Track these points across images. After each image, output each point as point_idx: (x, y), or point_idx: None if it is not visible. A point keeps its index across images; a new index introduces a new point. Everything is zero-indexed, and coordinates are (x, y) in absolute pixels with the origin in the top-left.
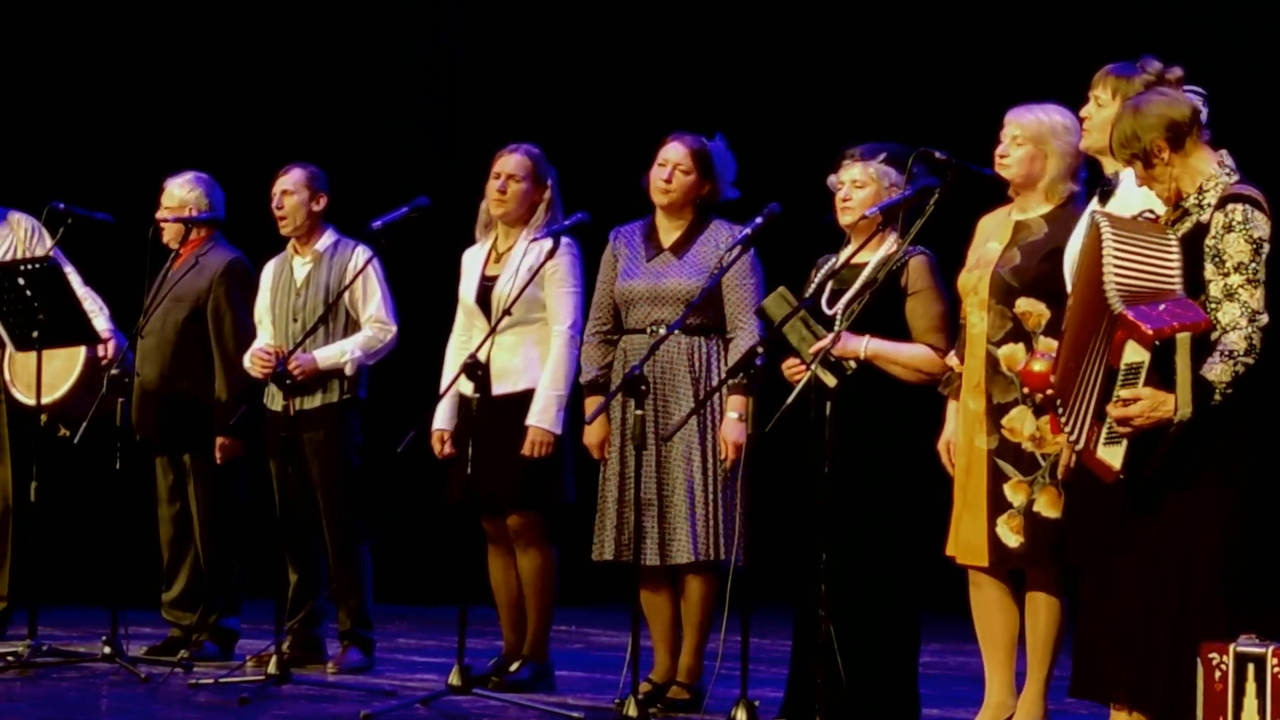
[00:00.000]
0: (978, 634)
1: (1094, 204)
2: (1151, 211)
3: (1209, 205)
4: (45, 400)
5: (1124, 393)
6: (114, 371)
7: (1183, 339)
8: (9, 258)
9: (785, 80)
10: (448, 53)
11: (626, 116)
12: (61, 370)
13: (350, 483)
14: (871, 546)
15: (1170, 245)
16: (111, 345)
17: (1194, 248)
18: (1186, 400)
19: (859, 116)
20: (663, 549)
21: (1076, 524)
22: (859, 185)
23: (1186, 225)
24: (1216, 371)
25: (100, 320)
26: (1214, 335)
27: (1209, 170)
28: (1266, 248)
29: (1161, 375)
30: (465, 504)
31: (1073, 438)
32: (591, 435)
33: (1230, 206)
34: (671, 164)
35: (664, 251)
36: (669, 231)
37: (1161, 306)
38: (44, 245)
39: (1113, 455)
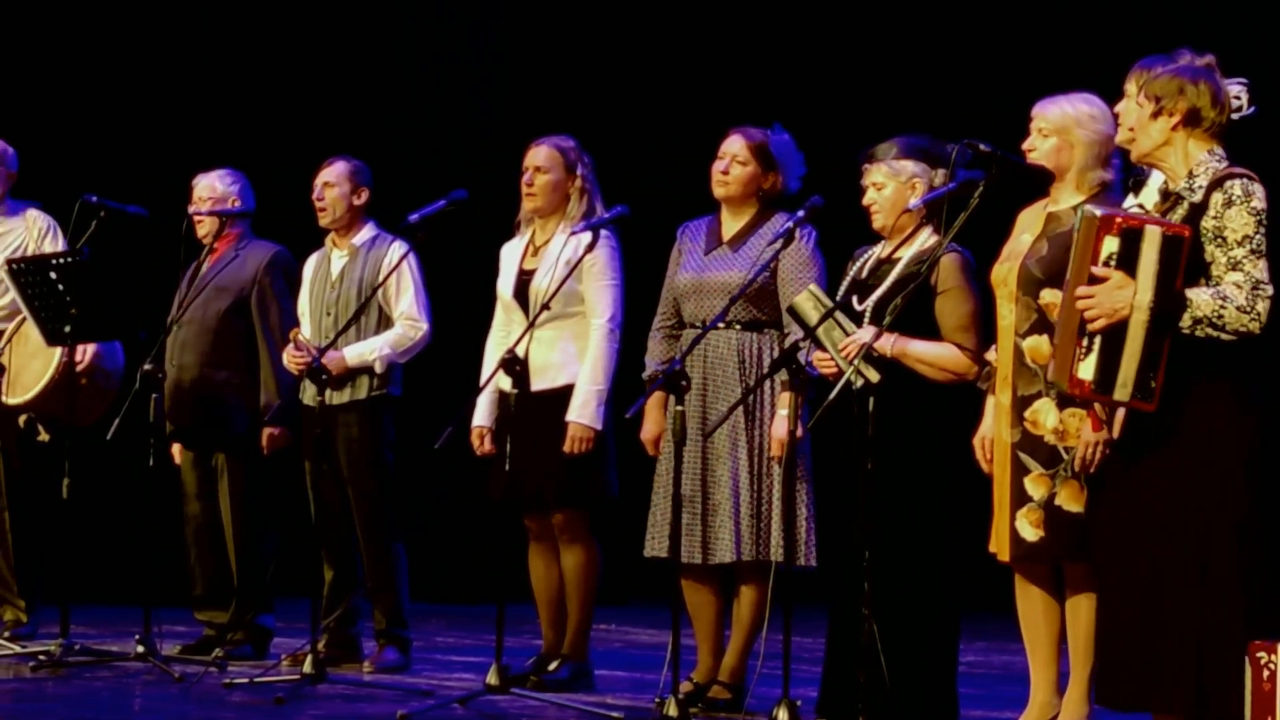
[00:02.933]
0: (1023, 633)
1: (1130, 199)
2: (1140, 206)
3: (1200, 188)
4: (14, 400)
5: (1094, 277)
6: (147, 367)
7: (1152, 230)
8: (19, 254)
9: (829, 71)
10: (486, 45)
11: (666, 109)
12: (40, 370)
13: (383, 480)
14: (911, 545)
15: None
16: (90, 350)
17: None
18: (1148, 286)
19: (903, 107)
20: (706, 547)
21: (1094, 523)
22: (879, 187)
23: (1180, 211)
24: (1199, 299)
25: None
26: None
27: (1200, 156)
28: (1266, 220)
29: (1128, 267)
30: (506, 501)
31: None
32: (646, 431)
33: (1228, 183)
34: (729, 156)
35: (722, 245)
36: (730, 225)
37: (1144, 214)
38: (57, 244)
39: (1087, 368)
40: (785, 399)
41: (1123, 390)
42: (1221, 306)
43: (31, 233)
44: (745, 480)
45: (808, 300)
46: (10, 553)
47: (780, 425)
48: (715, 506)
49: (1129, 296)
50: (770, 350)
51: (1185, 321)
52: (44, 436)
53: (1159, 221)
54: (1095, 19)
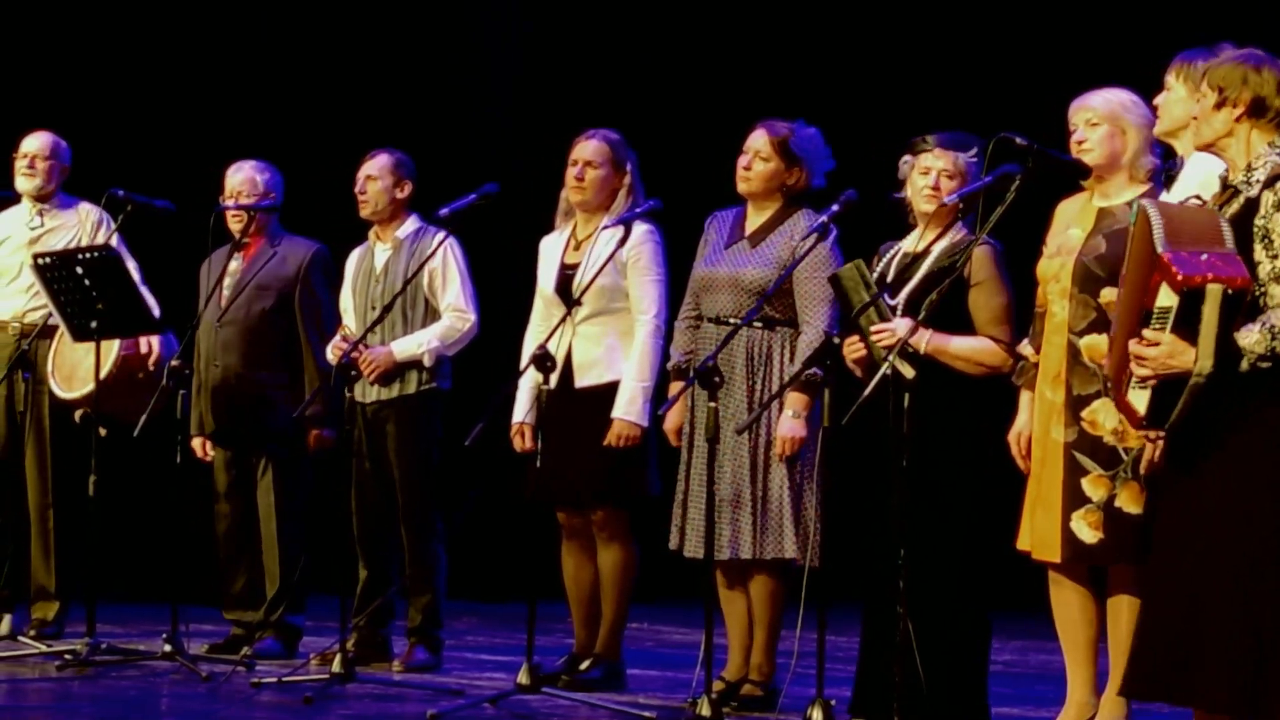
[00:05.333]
0: (1058, 633)
1: (1164, 194)
2: (1198, 197)
3: (1257, 182)
4: (71, 394)
5: (1148, 333)
6: (174, 363)
7: (1214, 289)
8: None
9: (858, 65)
10: (509, 36)
11: (689, 103)
12: (96, 365)
13: (428, 477)
14: (943, 542)
15: (1218, 217)
16: (157, 342)
17: (1244, 227)
18: (1208, 353)
19: (930, 102)
20: (727, 543)
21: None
22: (950, 175)
23: (1235, 205)
24: (1250, 340)
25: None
26: (1260, 302)
27: (1260, 149)
28: None
29: (1188, 327)
30: (538, 497)
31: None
32: (669, 421)
33: (1279, 184)
34: (752, 152)
35: (742, 240)
36: (754, 220)
37: (1204, 256)
38: (110, 238)
39: (1139, 400)
40: (792, 399)
41: (1168, 422)
42: (1273, 339)
43: (85, 226)
44: (765, 477)
45: (851, 275)
46: (52, 551)
47: (786, 425)
48: (738, 503)
49: (1188, 361)
50: (781, 348)
51: (1243, 366)
52: (104, 432)
53: (1221, 276)
54: (1122, 16)
